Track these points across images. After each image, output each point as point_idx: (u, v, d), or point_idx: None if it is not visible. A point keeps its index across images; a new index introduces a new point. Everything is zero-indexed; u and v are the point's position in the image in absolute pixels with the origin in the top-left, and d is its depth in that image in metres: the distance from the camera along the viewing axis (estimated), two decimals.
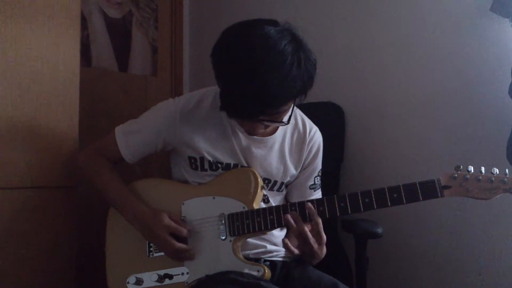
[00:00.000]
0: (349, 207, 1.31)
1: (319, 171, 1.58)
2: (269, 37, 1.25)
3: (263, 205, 1.46)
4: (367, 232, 1.54)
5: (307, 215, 1.33)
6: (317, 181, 1.58)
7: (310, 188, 1.56)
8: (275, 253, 1.50)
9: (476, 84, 1.67)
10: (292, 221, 1.32)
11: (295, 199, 1.55)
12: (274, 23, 1.31)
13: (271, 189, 1.52)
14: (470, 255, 1.67)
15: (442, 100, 1.74)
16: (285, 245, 1.35)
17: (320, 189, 1.59)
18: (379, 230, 1.52)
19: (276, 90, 1.24)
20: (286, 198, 1.59)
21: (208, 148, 1.48)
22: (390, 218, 1.75)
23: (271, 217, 1.36)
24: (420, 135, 1.79)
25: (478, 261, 1.66)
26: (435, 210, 1.71)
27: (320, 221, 1.32)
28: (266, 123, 1.35)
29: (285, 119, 1.36)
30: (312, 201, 1.35)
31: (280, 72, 1.24)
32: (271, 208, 1.37)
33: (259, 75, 1.23)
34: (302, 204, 1.35)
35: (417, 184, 1.25)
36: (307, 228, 1.31)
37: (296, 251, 1.34)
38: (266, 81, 1.23)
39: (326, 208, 1.33)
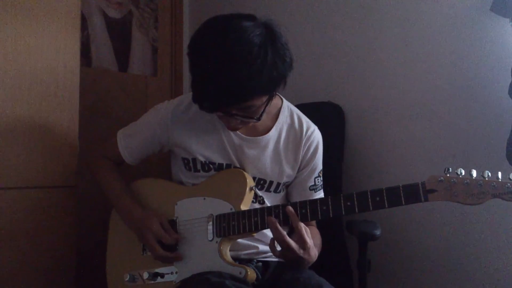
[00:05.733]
0: (331, 210, 1.28)
1: (319, 172, 1.56)
2: (240, 29, 1.25)
3: (257, 206, 1.44)
4: (365, 233, 1.52)
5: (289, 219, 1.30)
6: (318, 182, 1.56)
7: (311, 189, 1.54)
8: (268, 254, 1.49)
9: (475, 84, 1.67)
10: (275, 225, 1.29)
11: (295, 200, 1.53)
12: (252, 18, 1.30)
13: (267, 190, 1.51)
14: (470, 256, 1.67)
15: (442, 99, 1.74)
16: (270, 245, 1.33)
17: (321, 190, 1.58)
18: (377, 232, 1.50)
19: (238, 83, 1.23)
20: (287, 199, 1.58)
21: (200, 149, 1.49)
22: (391, 219, 1.75)
23: (256, 219, 1.34)
24: (420, 135, 1.79)
25: (479, 262, 1.65)
26: (437, 211, 1.71)
27: (301, 226, 1.29)
28: (237, 117, 1.33)
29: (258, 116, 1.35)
30: (295, 203, 1.33)
31: (244, 63, 1.22)
32: (256, 210, 1.36)
33: (224, 65, 1.23)
34: (285, 207, 1.32)
35: (400, 188, 1.21)
36: (287, 238, 1.28)
37: (277, 252, 1.32)
38: (229, 73, 1.22)
39: (308, 211, 1.31)
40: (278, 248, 1.33)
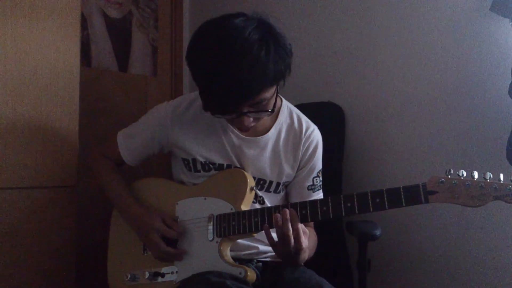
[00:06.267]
0: (331, 211, 1.28)
1: (318, 172, 1.56)
2: (234, 27, 1.26)
3: (257, 207, 1.45)
4: (365, 234, 1.51)
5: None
6: (316, 182, 1.55)
7: (309, 189, 1.54)
8: (268, 254, 1.49)
9: (476, 84, 1.67)
10: (280, 221, 1.28)
11: (294, 200, 1.53)
12: (242, 15, 1.31)
13: (267, 190, 1.51)
14: (471, 256, 1.67)
15: (442, 100, 1.74)
16: (265, 230, 1.32)
17: (320, 190, 1.57)
18: (377, 232, 1.50)
19: (248, 78, 1.23)
20: (286, 199, 1.58)
21: (199, 149, 1.49)
22: (391, 220, 1.75)
23: (256, 219, 1.34)
24: (420, 135, 1.79)
25: (478, 262, 1.66)
26: (437, 211, 1.71)
27: (299, 227, 1.28)
28: (251, 114, 1.33)
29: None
30: (295, 204, 1.33)
31: (248, 59, 1.23)
32: (256, 210, 1.36)
33: (229, 65, 1.23)
34: (285, 208, 1.31)
35: (401, 189, 1.21)
36: (291, 233, 1.28)
37: (274, 239, 1.31)
38: (236, 70, 1.23)
39: (308, 212, 1.31)
40: (274, 236, 1.32)
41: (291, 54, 1.33)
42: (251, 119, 1.35)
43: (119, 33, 2.32)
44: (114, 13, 2.30)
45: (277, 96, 1.37)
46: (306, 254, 1.35)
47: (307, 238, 1.32)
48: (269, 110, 1.35)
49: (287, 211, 1.29)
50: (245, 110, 1.31)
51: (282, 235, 1.28)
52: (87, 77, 1.97)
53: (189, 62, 1.33)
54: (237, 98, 1.27)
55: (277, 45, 1.28)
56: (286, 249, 1.29)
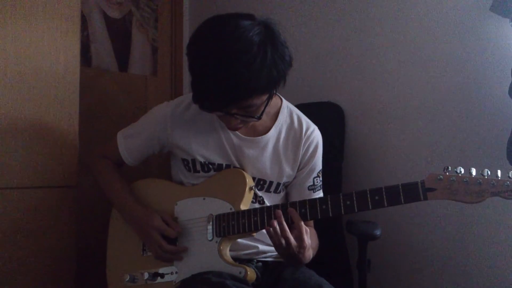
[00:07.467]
0: (330, 209, 1.29)
1: (318, 172, 1.56)
2: (239, 27, 1.25)
3: (257, 207, 1.44)
4: (365, 234, 1.52)
5: (290, 218, 1.31)
6: (317, 182, 1.55)
7: (309, 189, 1.54)
8: (268, 254, 1.50)
9: (476, 84, 1.67)
10: (277, 228, 1.28)
11: (294, 200, 1.53)
12: (250, 17, 1.30)
13: (267, 190, 1.51)
14: (470, 255, 1.67)
15: (442, 100, 1.74)
16: (267, 231, 1.31)
17: (321, 190, 1.57)
18: (377, 232, 1.50)
19: (239, 80, 1.23)
20: (286, 199, 1.58)
21: (199, 149, 1.49)
22: (391, 219, 1.75)
23: (255, 218, 1.34)
24: (420, 135, 1.79)
25: (479, 261, 1.65)
26: (437, 211, 1.71)
27: (302, 224, 1.29)
28: (238, 116, 1.33)
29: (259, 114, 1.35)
30: (294, 203, 1.33)
31: (243, 62, 1.22)
32: (255, 209, 1.36)
33: (224, 64, 1.23)
34: (285, 207, 1.33)
35: (400, 186, 1.22)
36: (290, 234, 1.28)
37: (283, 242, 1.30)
38: (229, 70, 1.22)
39: (307, 210, 1.31)
40: None
41: (288, 66, 1.32)
42: (239, 120, 1.35)
43: (119, 33, 2.32)
44: (114, 13, 2.30)
45: (268, 104, 1.36)
46: (310, 253, 1.35)
47: (309, 237, 1.32)
48: (256, 117, 1.35)
49: (283, 224, 1.28)
50: (233, 111, 1.31)
51: (281, 243, 1.28)
52: (87, 77, 1.97)
53: (189, 50, 1.33)
54: (225, 98, 1.27)
55: (275, 54, 1.27)
56: (289, 250, 1.30)
